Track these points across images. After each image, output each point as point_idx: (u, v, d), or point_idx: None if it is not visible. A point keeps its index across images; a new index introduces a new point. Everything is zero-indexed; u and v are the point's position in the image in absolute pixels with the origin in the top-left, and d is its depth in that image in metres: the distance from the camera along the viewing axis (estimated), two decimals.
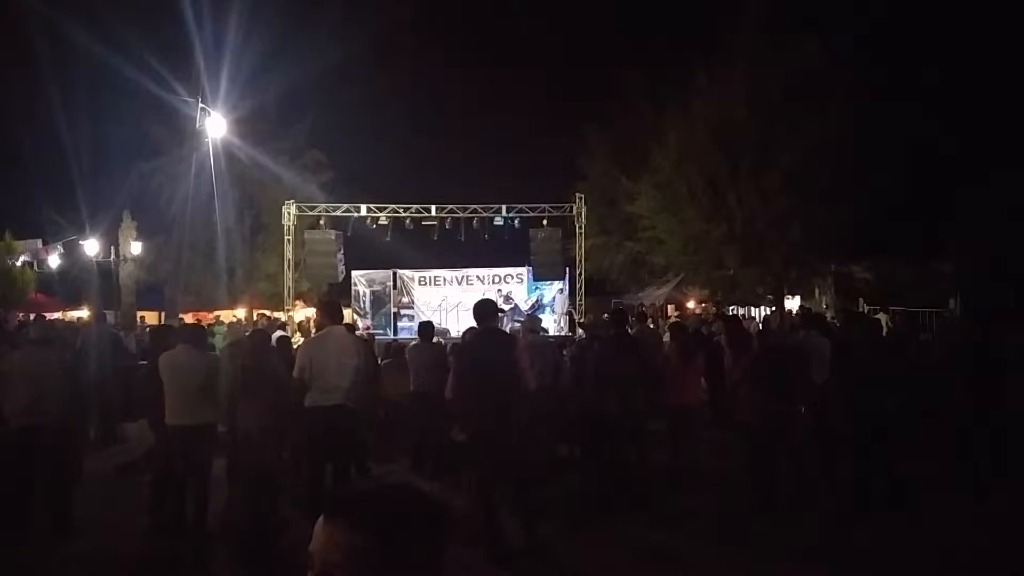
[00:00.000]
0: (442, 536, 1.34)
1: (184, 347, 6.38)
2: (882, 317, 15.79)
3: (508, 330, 13.98)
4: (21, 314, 21.45)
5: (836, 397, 7.79)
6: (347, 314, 23.90)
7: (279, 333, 14.29)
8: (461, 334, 8.63)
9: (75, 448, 7.33)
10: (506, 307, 21.83)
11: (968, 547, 6.19)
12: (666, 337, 10.68)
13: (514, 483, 6.42)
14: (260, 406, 6.21)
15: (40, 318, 8.50)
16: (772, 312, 22.87)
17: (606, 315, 18.94)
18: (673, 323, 12.58)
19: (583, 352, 9.58)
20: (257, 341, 6.94)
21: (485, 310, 6.73)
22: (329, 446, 6.59)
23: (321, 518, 1.30)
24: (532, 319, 12.89)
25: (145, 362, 8.51)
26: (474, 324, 6.93)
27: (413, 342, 11.11)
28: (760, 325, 16.44)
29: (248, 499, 6.28)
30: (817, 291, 24.78)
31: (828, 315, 17.88)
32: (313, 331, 11.07)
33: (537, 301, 23.73)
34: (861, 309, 19.06)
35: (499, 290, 23.64)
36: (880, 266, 22.23)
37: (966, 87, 19.68)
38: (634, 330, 10.95)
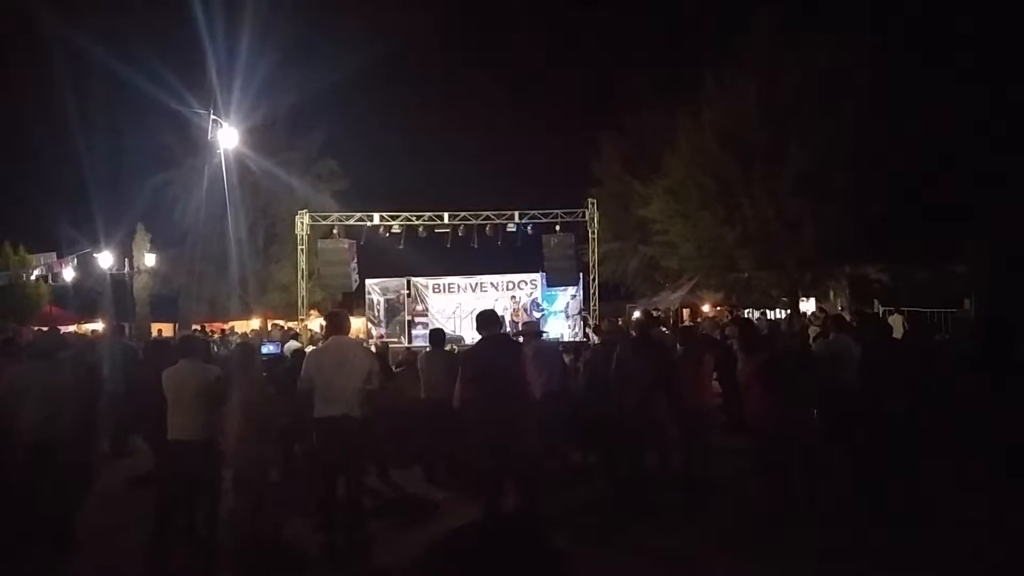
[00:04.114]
0: None
1: (185, 361, 6.36)
2: (897, 319, 15.67)
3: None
4: (36, 328, 21.60)
5: (855, 400, 7.71)
6: (361, 323, 24.02)
7: (294, 344, 14.28)
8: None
9: (88, 463, 7.33)
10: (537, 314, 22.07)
11: (983, 551, 6.13)
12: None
13: (522, 492, 6.42)
14: (242, 419, 6.26)
15: (43, 331, 8.39)
16: (786, 315, 22.74)
17: (619, 319, 18.91)
18: (683, 327, 12.55)
19: (596, 357, 9.52)
20: (240, 355, 6.94)
21: (487, 319, 6.91)
22: (339, 456, 6.57)
23: None
24: (531, 323, 12.90)
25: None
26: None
27: (426, 350, 11.10)
28: (767, 328, 16.33)
29: (239, 510, 6.35)
30: (832, 293, 24.65)
31: (845, 317, 17.75)
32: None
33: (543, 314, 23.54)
34: (876, 311, 18.90)
35: (512, 296, 23.62)
36: (895, 267, 22.06)
37: (981, 85, 19.50)
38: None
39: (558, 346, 12.19)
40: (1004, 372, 7.97)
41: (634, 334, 9.89)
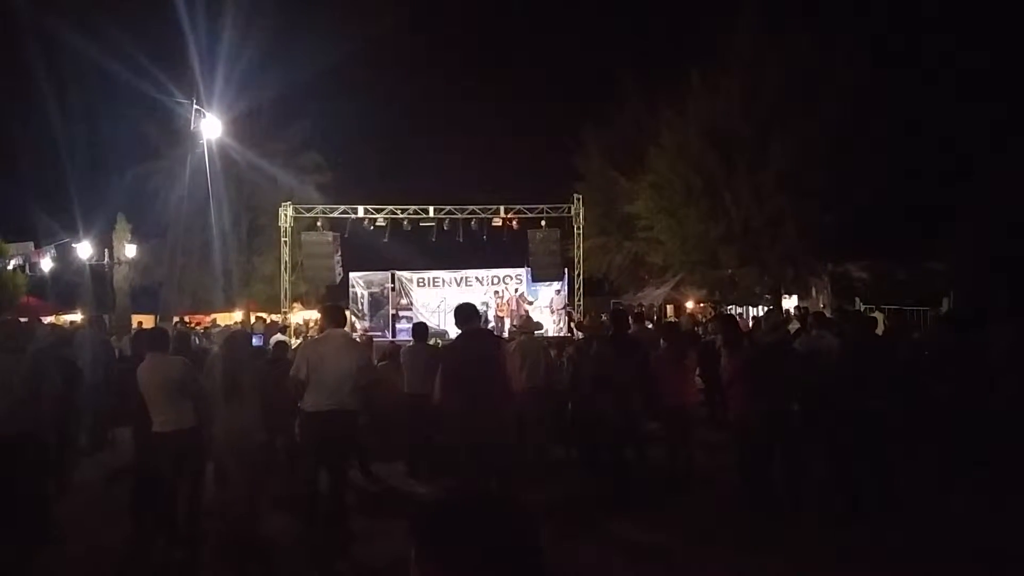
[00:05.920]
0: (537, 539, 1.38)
1: (151, 355, 6.30)
2: (878, 316, 15.75)
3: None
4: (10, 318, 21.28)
5: (836, 397, 7.74)
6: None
7: (278, 336, 14.22)
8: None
9: (63, 456, 7.24)
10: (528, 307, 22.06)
11: (962, 546, 6.17)
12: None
13: (503, 484, 6.42)
14: (239, 409, 6.19)
15: (8, 321, 8.18)
16: (767, 311, 22.83)
17: (603, 316, 18.91)
18: (666, 323, 12.58)
19: (579, 353, 9.54)
20: (235, 344, 6.87)
21: (465, 313, 6.89)
22: (325, 450, 6.52)
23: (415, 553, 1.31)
24: (527, 320, 12.87)
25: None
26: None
27: (408, 344, 11.07)
28: (751, 324, 16.39)
29: (229, 501, 6.29)
30: (814, 290, 24.74)
31: (826, 314, 17.82)
32: (315, 334, 11.01)
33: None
34: (858, 308, 18.99)
35: (496, 291, 23.59)
36: (876, 265, 22.18)
37: (962, 84, 19.62)
38: (631, 330, 10.90)
39: (543, 342, 12.19)
40: (975, 367, 8.01)
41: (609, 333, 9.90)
